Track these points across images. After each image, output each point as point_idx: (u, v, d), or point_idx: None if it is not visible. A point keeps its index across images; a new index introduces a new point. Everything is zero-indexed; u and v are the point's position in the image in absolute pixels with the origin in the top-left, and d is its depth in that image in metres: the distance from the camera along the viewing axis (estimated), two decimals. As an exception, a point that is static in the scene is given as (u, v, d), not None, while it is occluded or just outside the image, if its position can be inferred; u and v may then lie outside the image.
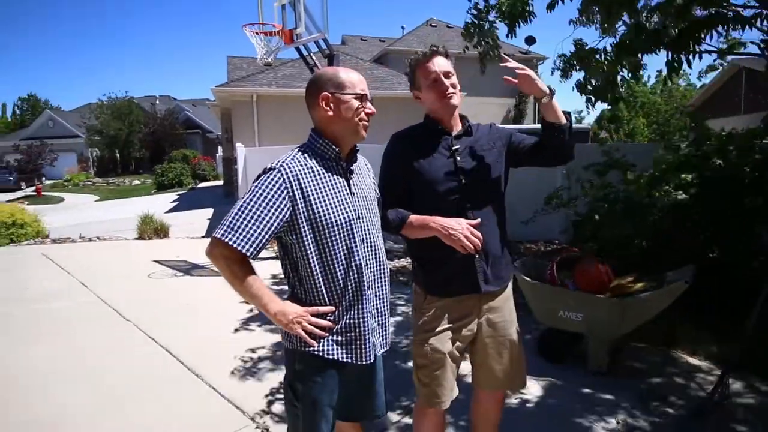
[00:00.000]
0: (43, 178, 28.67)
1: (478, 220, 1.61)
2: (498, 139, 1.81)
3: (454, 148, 1.71)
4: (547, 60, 19.56)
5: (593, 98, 4.92)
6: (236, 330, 3.93)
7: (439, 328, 1.71)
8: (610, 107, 5.09)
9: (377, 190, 1.65)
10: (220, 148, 23.62)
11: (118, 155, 31.79)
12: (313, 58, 5.90)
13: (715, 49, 5.35)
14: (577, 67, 4.91)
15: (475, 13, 4.65)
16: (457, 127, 1.77)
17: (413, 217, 1.66)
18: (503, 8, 4.34)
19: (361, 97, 1.45)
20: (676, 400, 2.66)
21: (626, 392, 2.75)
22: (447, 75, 1.68)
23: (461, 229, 1.55)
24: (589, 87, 4.78)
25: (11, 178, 26.50)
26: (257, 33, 5.55)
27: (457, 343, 1.74)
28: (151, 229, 8.50)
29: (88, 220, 11.78)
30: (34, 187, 24.20)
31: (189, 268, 5.99)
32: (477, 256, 1.66)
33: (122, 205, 15.57)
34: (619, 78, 4.54)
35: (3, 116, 54.54)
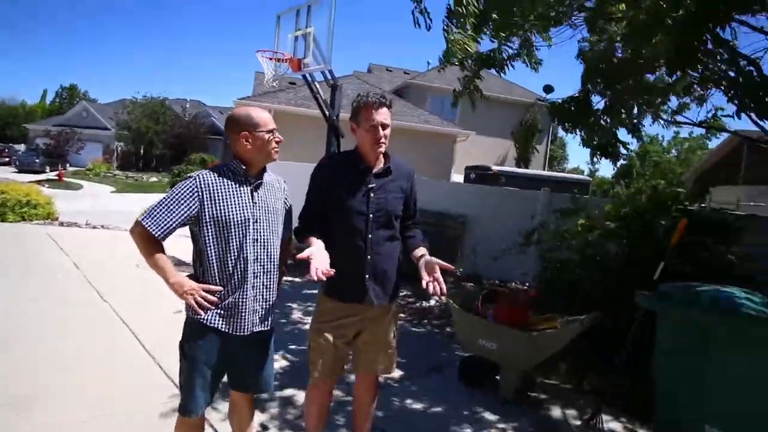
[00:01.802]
0: (68, 165, 29.89)
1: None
2: (407, 185, 2.19)
3: (370, 185, 2.08)
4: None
5: (598, 153, 5.29)
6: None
7: (329, 322, 2.10)
8: (612, 162, 5.37)
9: (287, 204, 2.05)
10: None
11: (142, 151, 33.01)
12: (317, 85, 6.45)
13: (691, 121, 5.72)
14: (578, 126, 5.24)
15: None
16: (379, 165, 2.13)
17: (311, 241, 1.98)
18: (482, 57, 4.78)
19: (271, 131, 1.89)
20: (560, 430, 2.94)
21: (523, 420, 3.03)
22: (384, 126, 2.04)
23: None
24: (593, 142, 5.16)
25: (37, 161, 27.75)
26: (270, 59, 6.13)
27: (343, 336, 2.11)
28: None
29: (100, 208, 12.41)
30: (57, 172, 25.29)
31: (175, 264, 6.43)
32: (367, 276, 2.04)
33: (135, 199, 16.26)
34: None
35: (42, 101, 57.20)
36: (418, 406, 3.12)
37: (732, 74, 3.57)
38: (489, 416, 3.05)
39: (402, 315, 5.17)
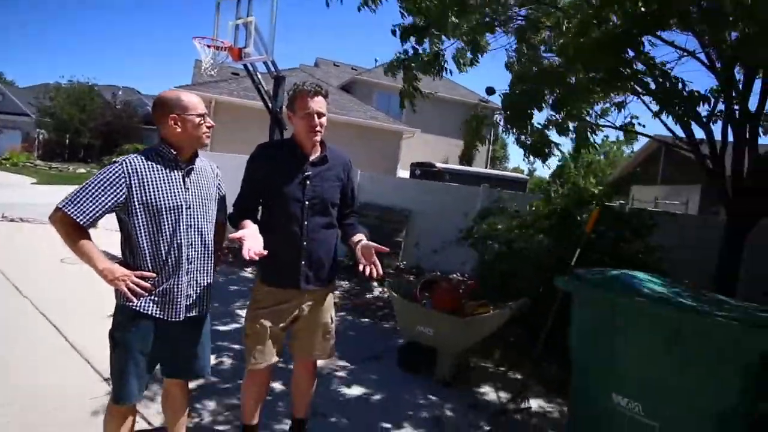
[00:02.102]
0: (-20, 153, 27.08)
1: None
2: (343, 174, 2.23)
3: (306, 173, 2.11)
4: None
5: (529, 154, 5.57)
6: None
7: (265, 308, 2.12)
8: (542, 161, 5.69)
9: (220, 189, 2.05)
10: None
11: (67, 140, 30.57)
12: (259, 76, 6.33)
13: (612, 125, 6.21)
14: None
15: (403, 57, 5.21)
16: (316, 153, 2.16)
17: (244, 224, 2.00)
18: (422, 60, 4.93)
19: (201, 115, 1.87)
20: (491, 408, 3.15)
21: (459, 400, 3.21)
22: (320, 114, 2.07)
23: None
24: (527, 143, 5.44)
25: (-57, 149, 24.91)
26: (208, 46, 5.93)
27: (279, 322, 2.13)
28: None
29: (19, 200, 11.41)
30: (-33, 161, 22.85)
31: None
32: (303, 262, 2.08)
33: (58, 191, 15.01)
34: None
35: (-52, 82, 51.20)
36: (358, 392, 3.20)
37: (652, 85, 3.92)
38: (427, 399, 3.19)
39: (343, 305, 5.24)
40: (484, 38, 4.81)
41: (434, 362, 3.48)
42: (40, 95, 30.31)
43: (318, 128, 2.07)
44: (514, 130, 4.85)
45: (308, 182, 2.10)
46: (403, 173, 14.91)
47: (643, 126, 5.23)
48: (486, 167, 21.07)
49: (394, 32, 4.69)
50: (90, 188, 1.71)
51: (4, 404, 2.57)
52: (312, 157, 2.14)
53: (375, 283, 6.24)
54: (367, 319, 4.88)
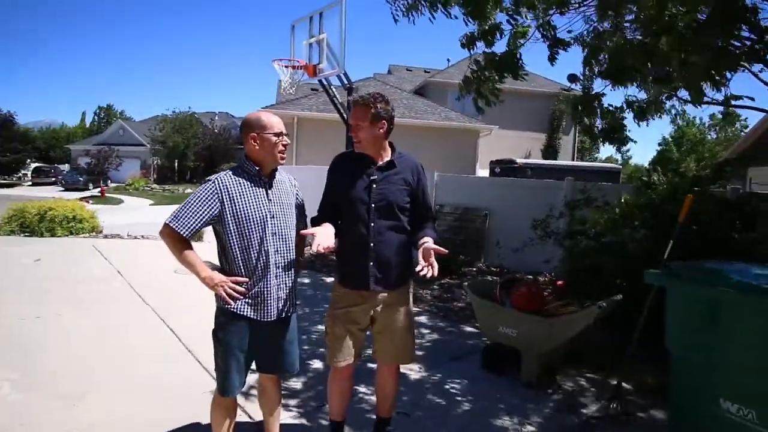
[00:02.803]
0: (108, 181, 31.48)
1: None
2: (412, 178, 2.27)
3: (372, 178, 2.22)
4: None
5: (601, 140, 5.27)
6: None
7: (341, 309, 2.25)
8: (616, 149, 5.38)
9: (299, 199, 2.22)
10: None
11: (176, 165, 34.36)
12: (333, 89, 6.65)
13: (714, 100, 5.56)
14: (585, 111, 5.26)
15: (474, 68, 5.13)
16: (384, 158, 2.26)
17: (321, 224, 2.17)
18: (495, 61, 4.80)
19: (278, 135, 2.04)
20: (585, 413, 2.99)
21: (545, 403, 3.09)
22: (355, 127, 2.17)
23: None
24: (595, 131, 5.14)
25: (81, 179, 29.46)
26: (286, 66, 6.37)
27: (356, 323, 2.24)
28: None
29: (140, 220, 13.07)
30: (99, 189, 26.67)
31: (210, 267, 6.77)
32: (371, 263, 2.18)
33: (170, 211, 16.98)
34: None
35: (81, 123, 60.26)
36: (441, 393, 3.22)
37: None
38: (512, 402, 3.11)
39: (426, 308, 5.28)
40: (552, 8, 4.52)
41: (519, 364, 3.39)
42: (152, 127, 34.46)
43: (355, 139, 2.20)
44: (585, 115, 4.53)
45: (374, 186, 2.19)
46: (482, 172, 14.60)
47: (752, 99, 4.61)
48: (573, 159, 19.87)
49: (463, 44, 4.63)
50: (189, 205, 1.96)
51: (132, 392, 3.00)
52: (379, 162, 2.24)
53: (460, 286, 6.19)
54: (451, 322, 4.87)
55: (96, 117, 60.38)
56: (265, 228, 2.02)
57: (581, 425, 2.83)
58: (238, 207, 1.99)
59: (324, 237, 2.01)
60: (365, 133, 2.17)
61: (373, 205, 2.18)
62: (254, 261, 2.01)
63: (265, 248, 2.02)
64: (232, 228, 1.99)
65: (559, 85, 20.09)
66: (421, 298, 5.70)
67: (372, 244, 2.18)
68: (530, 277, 5.62)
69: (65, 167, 37.34)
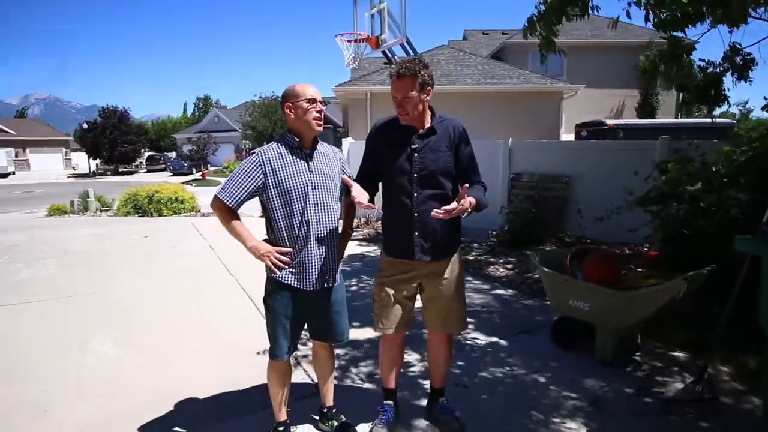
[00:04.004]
0: (209, 165, 34.45)
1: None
2: (450, 142, 2.15)
3: (413, 146, 2.13)
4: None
5: (694, 100, 4.64)
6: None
7: (388, 277, 2.23)
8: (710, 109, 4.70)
9: (344, 171, 2.21)
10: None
11: (265, 147, 36.48)
12: (397, 60, 6.50)
13: None
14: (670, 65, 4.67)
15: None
16: (424, 125, 2.15)
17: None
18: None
19: (311, 101, 2.02)
20: (664, 396, 2.69)
21: (618, 382, 2.84)
22: (402, 99, 2.05)
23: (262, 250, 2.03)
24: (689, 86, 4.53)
25: (185, 164, 32.68)
26: (349, 41, 6.35)
27: (402, 290, 2.21)
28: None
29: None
30: (200, 173, 29.36)
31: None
32: (416, 233, 2.12)
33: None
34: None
35: (184, 113, 66.31)
36: (506, 367, 3.10)
37: None
38: (584, 380, 2.90)
39: (501, 280, 5.09)
40: None
41: (593, 340, 3.14)
42: (242, 112, 36.80)
43: (400, 109, 2.08)
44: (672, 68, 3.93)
45: (416, 155, 2.10)
46: (568, 137, 13.54)
47: None
48: (676, 116, 17.63)
49: None
50: (235, 177, 2.04)
51: (212, 352, 3.30)
52: (420, 130, 2.14)
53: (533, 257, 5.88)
54: (523, 294, 4.66)
55: (195, 107, 66.07)
56: (306, 199, 2.04)
57: (660, 408, 2.56)
58: (279, 178, 2.03)
59: (361, 193, 2.01)
60: (414, 105, 2.07)
61: (415, 175, 2.11)
62: (296, 231, 2.05)
63: (307, 218, 2.04)
64: (275, 199, 2.04)
65: (657, 34, 17.81)
66: (496, 268, 5.51)
67: (416, 214, 2.12)
68: (606, 247, 5.14)
69: (172, 155, 41.50)
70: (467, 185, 2.01)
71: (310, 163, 2.09)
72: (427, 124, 2.15)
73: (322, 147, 2.17)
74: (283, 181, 2.03)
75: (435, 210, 1.95)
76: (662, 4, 3.72)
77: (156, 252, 6.81)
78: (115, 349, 3.46)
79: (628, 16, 4.22)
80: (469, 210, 2.00)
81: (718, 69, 4.64)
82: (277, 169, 2.03)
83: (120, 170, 37.29)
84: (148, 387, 2.88)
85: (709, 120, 15.53)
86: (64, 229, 9.14)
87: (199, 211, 11.44)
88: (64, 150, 46.66)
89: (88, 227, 9.26)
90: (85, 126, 36.17)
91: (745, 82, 4.61)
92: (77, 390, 2.86)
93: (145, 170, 38.09)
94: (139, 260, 6.29)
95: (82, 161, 40.83)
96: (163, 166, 36.58)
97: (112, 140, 35.39)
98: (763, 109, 3.51)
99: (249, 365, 3.10)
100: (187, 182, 22.33)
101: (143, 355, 3.35)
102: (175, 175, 31.20)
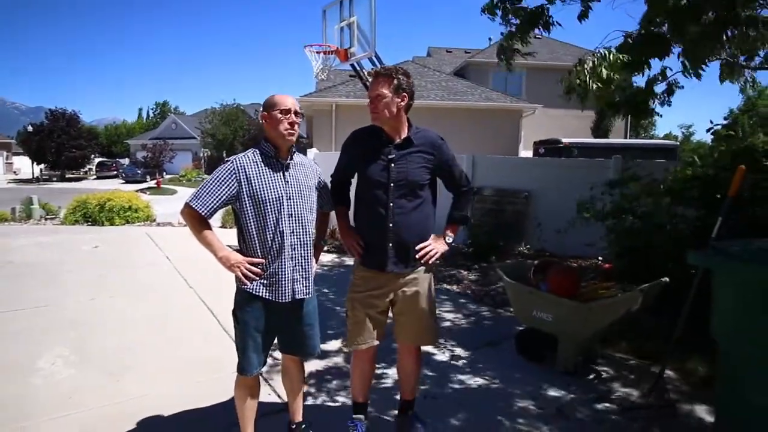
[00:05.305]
0: (164, 173, 33.20)
1: None
2: (433, 154, 2.18)
3: (390, 156, 2.14)
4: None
5: (617, 111, 4.92)
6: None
7: (361, 291, 2.22)
8: (633, 119, 5.03)
9: (321, 183, 2.21)
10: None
11: (224, 155, 35.62)
12: (365, 73, 6.57)
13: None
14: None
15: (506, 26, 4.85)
16: (401, 136, 2.17)
17: (338, 212, 2.33)
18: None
19: (284, 112, 2.01)
20: (623, 403, 2.81)
21: (580, 391, 2.94)
22: (376, 97, 2.08)
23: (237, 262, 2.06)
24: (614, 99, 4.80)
25: (139, 172, 31.36)
26: (317, 53, 6.36)
27: (375, 306, 2.21)
28: (231, 220, 9.87)
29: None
30: (155, 180, 28.23)
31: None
32: (390, 244, 2.13)
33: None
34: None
35: (139, 119, 63.79)
36: (472, 378, 3.15)
37: None
38: (548, 389, 2.98)
39: (464, 291, 5.18)
40: None
41: (556, 350, 3.25)
42: (202, 120, 35.84)
43: (373, 112, 2.11)
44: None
45: (393, 165, 2.12)
46: (526, 154, 14.07)
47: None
48: (625, 137, 18.73)
49: (483, 10, 4.41)
50: (208, 185, 1.99)
51: (171, 370, 3.14)
52: (397, 140, 2.16)
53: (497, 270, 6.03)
54: (486, 306, 4.75)
55: (152, 113, 63.73)
56: (281, 209, 2.01)
57: (620, 415, 2.67)
58: (254, 187, 1.99)
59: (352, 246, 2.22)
60: (386, 105, 2.08)
61: (391, 185, 2.12)
62: (269, 242, 2.01)
63: (281, 229, 2.01)
64: (249, 208, 2.00)
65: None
66: (459, 281, 5.60)
67: (390, 225, 2.12)
68: (594, 261, 5.35)
69: (125, 161, 39.75)
70: (432, 237, 2.23)
71: (286, 173, 2.06)
72: (404, 135, 2.18)
73: (299, 158, 2.15)
74: (258, 190, 1.99)
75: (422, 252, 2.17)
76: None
77: (108, 263, 6.46)
78: (66, 368, 3.22)
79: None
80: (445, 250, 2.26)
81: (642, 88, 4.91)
82: (252, 179, 1.99)
83: (67, 176, 35.26)
84: (104, 408, 2.71)
85: (654, 141, 16.51)
86: (5, 237, 8.51)
87: (155, 220, 10.98)
88: (5, 153, 43.65)
89: (32, 236, 8.66)
90: (30, 129, 34.05)
91: (669, 106, 4.97)
92: (23, 413, 2.64)
93: (95, 177, 36.24)
94: (90, 272, 5.93)
95: (24, 166, 38.33)
96: (115, 172, 34.97)
97: (60, 144, 33.50)
98: (707, 131, 3.81)
99: (211, 381, 2.98)
100: (141, 190, 21.41)
101: (97, 373, 3.14)
102: (127, 182, 29.85)
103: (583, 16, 4.41)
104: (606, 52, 3.81)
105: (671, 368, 3.05)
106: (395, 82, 2.09)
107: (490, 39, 22.98)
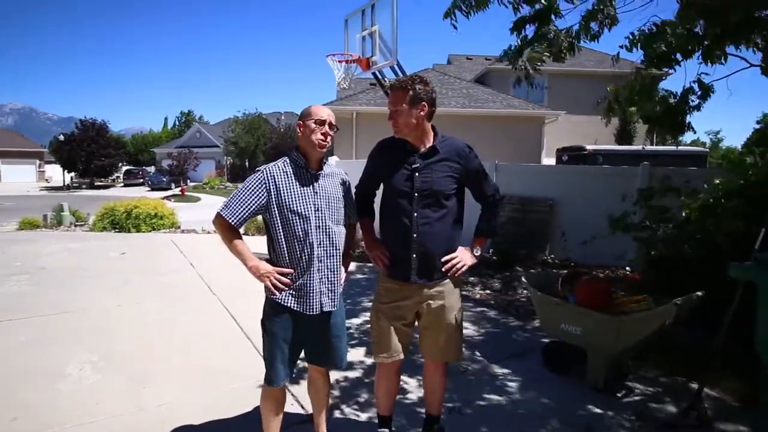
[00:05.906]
0: (188, 181, 33.94)
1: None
2: (458, 164, 2.14)
3: (414, 166, 2.11)
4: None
5: (656, 124, 4.80)
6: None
7: (386, 304, 2.19)
8: (671, 136, 4.87)
9: (348, 193, 2.19)
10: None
11: (247, 163, 36.27)
12: (387, 81, 6.58)
13: None
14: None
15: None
16: (426, 145, 2.14)
17: (363, 223, 2.32)
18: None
19: (319, 122, 2.00)
20: (656, 421, 2.69)
21: (611, 407, 2.83)
22: (392, 113, 2.08)
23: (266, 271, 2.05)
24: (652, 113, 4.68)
25: (164, 179, 32.10)
26: (340, 62, 6.40)
27: (401, 318, 2.17)
28: (254, 227, 9.97)
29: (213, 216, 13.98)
30: (179, 188, 28.87)
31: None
32: (414, 255, 2.09)
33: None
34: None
35: (164, 128, 65.53)
36: (498, 392, 3.07)
37: None
38: (576, 405, 2.88)
39: (488, 302, 5.08)
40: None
41: (584, 364, 3.14)
42: (225, 128, 36.60)
43: (393, 123, 2.09)
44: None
45: (417, 174, 2.09)
46: (549, 161, 13.86)
47: None
48: (651, 144, 18.27)
49: (512, 30, 4.36)
50: (239, 195, 1.99)
51: (194, 377, 3.16)
52: (422, 150, 2.13)
53: (522, 279, 5.91)
54: (513, 317, 4.65)
55: (177, 122, 65.41)
56: (309, 220, 2.00)
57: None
58: (283, 197, 1.98)
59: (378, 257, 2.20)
60: (405, 118, 2.06)
61: (416, 195, 2.08)
62: (298, 253, 2.00)
63: (310, 241, 1.99)
64: (277, 219, 1.99)
65: (637, 63, 18.56)
66: (482, 291, 5.51)
67: (415, 235, 2.09)
68: (622, 272, 5.20)
69: (151, 169, 40.79)
70: (460, 249, 2.20)
71: (315, 184, 2.05)
72: (429, 144, 2.15)
73: (329, 168, 2.14)
74: (287, 201, 1.98)
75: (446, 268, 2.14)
76: (654, 38, 3.84)
77: (135, 269, 6.59)
78: (94, 374, 3.28)
79: (630, 50, 4.33)
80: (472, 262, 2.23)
81: (677, 99, 4.78)
82: (281, 188, 1.99)
83: (96, 184, 36.40)
84: (128, 415, 2.73)
85: (682, 148, 16.13)
86: (37, 243, 8.79)
87: (179, 227, 11.19)
88: (37, 162, 45.37)
89: (63, 242, 8.93)
90: (61, 138, 35.33)
91: (698, 111, 4.81)
92: (51, 419, 2.69)
93: (122, 184, 37.28)
94: (117, 278, 6.06)
95: (56, 174, 39.75)
96: (141, 180, 35.87)
97: (89, 153, 34.63)
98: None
99: (235, 391, 2.99)
100: (166, 197, 21.89)
101: (123, 380, 3.18)
102: (153, 189, 30.59)
103: (594, 37, 4.30)
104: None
105: (711, 385, 2.91)
106: (411, 93, 2.06)
107: (510, 46, 22.76)
